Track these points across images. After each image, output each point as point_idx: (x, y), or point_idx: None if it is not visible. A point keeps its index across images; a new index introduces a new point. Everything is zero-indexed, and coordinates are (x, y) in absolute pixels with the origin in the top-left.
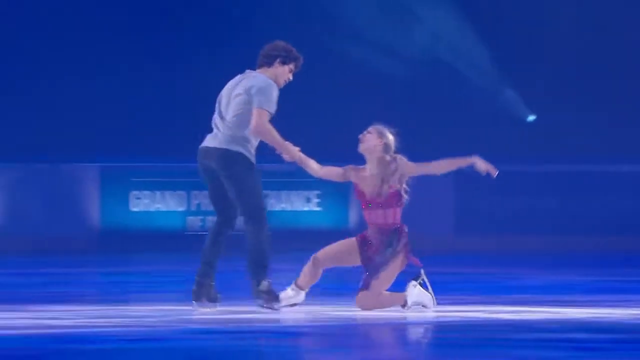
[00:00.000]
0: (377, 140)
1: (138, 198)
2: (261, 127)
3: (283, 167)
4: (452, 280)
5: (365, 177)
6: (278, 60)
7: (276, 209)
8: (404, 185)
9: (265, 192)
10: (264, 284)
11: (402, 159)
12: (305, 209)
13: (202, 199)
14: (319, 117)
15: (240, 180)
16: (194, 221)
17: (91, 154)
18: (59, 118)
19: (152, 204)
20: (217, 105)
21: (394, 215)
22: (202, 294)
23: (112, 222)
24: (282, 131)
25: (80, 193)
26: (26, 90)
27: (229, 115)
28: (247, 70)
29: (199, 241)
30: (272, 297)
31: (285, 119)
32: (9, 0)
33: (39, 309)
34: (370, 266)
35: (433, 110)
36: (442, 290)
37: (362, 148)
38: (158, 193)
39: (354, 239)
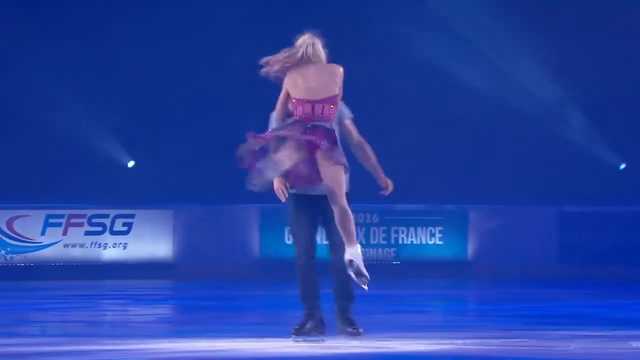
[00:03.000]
0: None
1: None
2: None
3: (413, 207)
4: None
5: None
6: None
7: (407, 243)
8: None
9: (398, 228)
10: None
11: None
12: (430, 242)
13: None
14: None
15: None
16: None
17: (253, 197)
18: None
19: None
20: None
21: None
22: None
23: (270, 254)
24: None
25: (244, 229)
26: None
27: None
28: None
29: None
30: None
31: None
32: None
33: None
34: None
35: None
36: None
37: None
38: None
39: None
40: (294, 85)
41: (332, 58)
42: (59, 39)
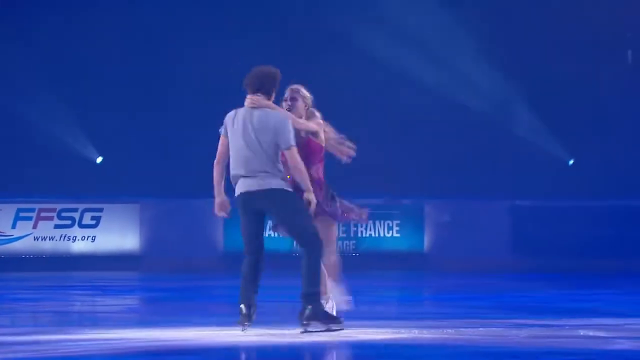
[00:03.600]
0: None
1: None
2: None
3: (371, 202)
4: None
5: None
6: (273, 90)
7: (365, 236)
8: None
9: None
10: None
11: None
12: (388, 235)
13: None
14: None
15: None
16: None
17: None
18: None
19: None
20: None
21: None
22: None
23: (234, 247)
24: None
25: (208, 223)
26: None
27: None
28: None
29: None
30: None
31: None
32: None
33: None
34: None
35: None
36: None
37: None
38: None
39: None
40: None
41: (290, 55)
42: (29, 34)
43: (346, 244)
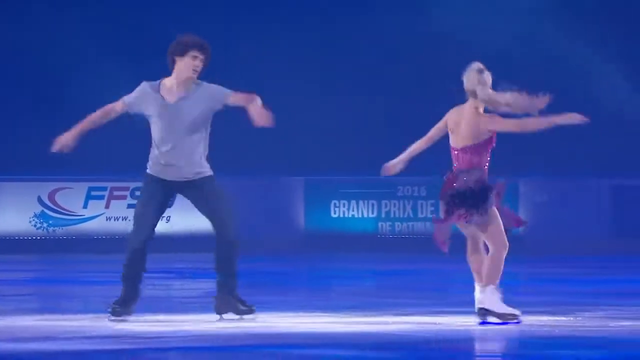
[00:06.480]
0: None
1: (337, 206)
2: None
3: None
4: None
5: None
6: (174, 57)
7: None
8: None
9: None
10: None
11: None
12: None
13: (392, 207)
14: None
15: None
16: (384, 226)
17: (298, 169)
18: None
19: (349, 212)
20: None
21: None
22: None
23: (315, 227)
24: None
25: (288, 202)
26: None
27: None
28: None
29: (389, 244)
30: None
31: None
32: None
33: None
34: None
35: None
36: None
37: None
38: (353, 202)
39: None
40: None
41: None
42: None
43: (429, 225)
